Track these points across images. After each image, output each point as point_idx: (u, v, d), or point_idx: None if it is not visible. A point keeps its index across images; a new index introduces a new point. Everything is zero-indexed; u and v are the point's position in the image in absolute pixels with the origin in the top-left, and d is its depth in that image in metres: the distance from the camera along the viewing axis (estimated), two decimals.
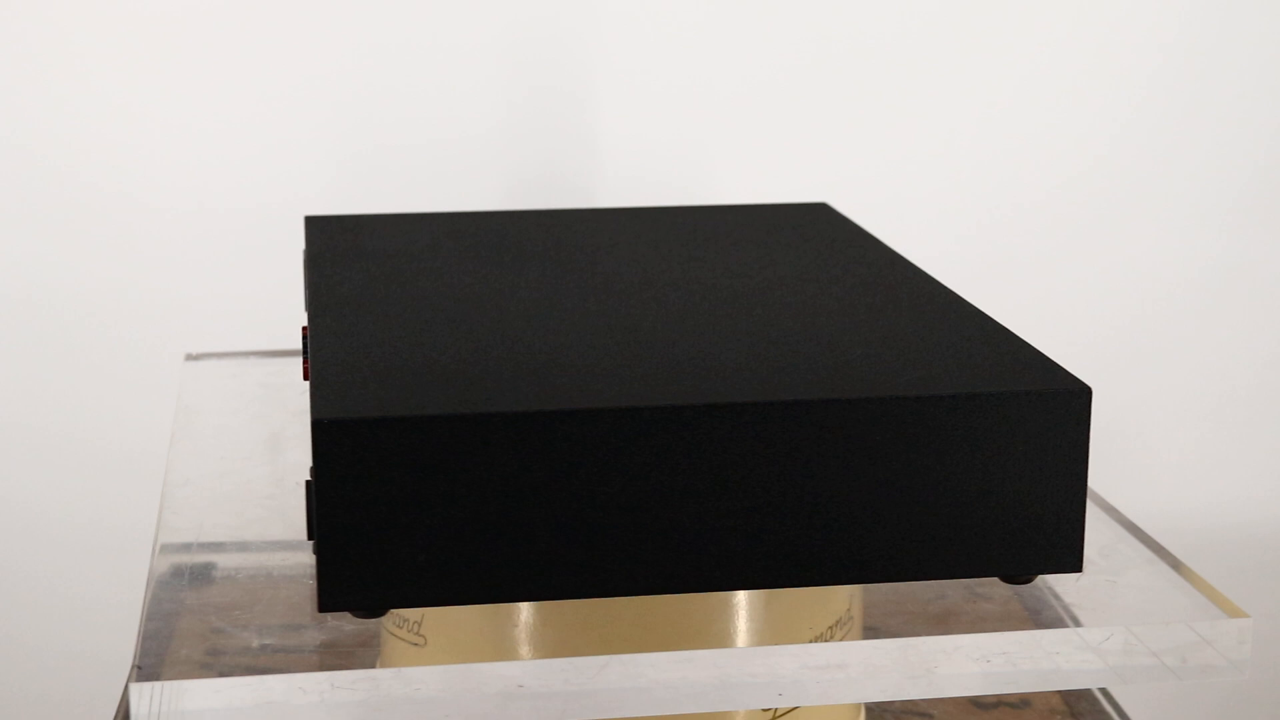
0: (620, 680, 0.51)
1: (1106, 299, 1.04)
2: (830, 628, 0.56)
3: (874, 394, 0.49)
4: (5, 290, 0.97)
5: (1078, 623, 0.56)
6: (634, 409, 0.48)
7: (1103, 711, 0.67)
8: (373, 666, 0.56)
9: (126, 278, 0.98)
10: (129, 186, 0.97)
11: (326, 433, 0.47)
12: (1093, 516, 0.63)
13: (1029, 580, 0.51)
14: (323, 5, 0.96)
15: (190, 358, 0.83)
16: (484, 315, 0.56)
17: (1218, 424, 1.06)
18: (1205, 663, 0.54)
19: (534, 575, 0.48)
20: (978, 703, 0.67)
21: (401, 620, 0.56)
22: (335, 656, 0.57)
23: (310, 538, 0.48)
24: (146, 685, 0.50)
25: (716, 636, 0.54)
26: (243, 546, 0.63)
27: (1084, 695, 0.68)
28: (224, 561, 0.62)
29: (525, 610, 0.54)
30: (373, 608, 0.48)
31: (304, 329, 0.56)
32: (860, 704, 0.60)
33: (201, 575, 0.61)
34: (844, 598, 0.56)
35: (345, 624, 0.59)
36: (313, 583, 0.57)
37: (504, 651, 0.54)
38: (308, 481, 0.47)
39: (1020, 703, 0.67)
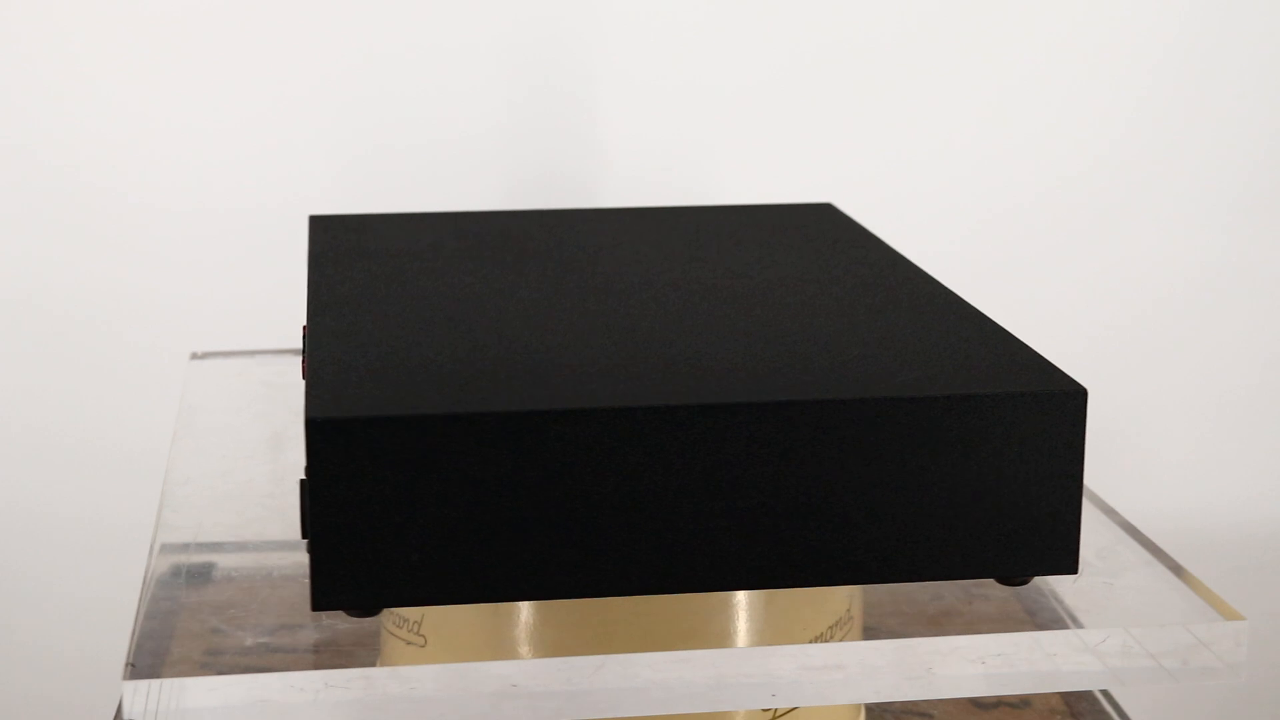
0: (616, 680, 0.51)
1: (1106, 299, 1.03)
2: (830, 628, 0.56)
3: (868, 395, 0.49)
4: (13, 290, 0.97)
5: (1078, 624, 0.56)
6: (627, 409, 0.48)
7: (1103, 711, 0.66)
8: (372, 666, 0.56)
9: (133, 278, 0.98)
10: (136, 188, 0.97)
11: (320, 432, 0.47)
12: (1091, 518, 0.63)
13: (1025, 582, 0.51)
14: (327, 6, 0.96)
15: (195, 357, 0.83)
16: (483, 315, 0.56)
17: (1217, 424, 1.06)
18: (1202, 665, 0.54)
19: (529, 575, 0.48)
20: (978, 703, 0.67)
21: (401, 620, 0.56)
22: (334, 656, 0.57)
23: (304, 536, 0.48)
24: (141, 683, 0.50)
25: (715, 637, 0.54)
26: (242, 546, 0.64)
27: (1084, 695, 0.67)
28: (223, 561, 0.62)
29: (526, 610, 0.54)
30: (367, 607, 0.48)
31: (304, 328, 0.56)
32: (860, 704, 0.60)
33: (200, 574, 0.61)
34: (844, 598, 0.56)
35: (345, 624, 0.59)
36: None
37: (504, 652, 0.54)
38: (302, 480, 0.47)
39: (1020, 703, 0.67)
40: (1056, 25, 1.00)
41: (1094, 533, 0.62)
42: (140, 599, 0.58)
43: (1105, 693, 0.68)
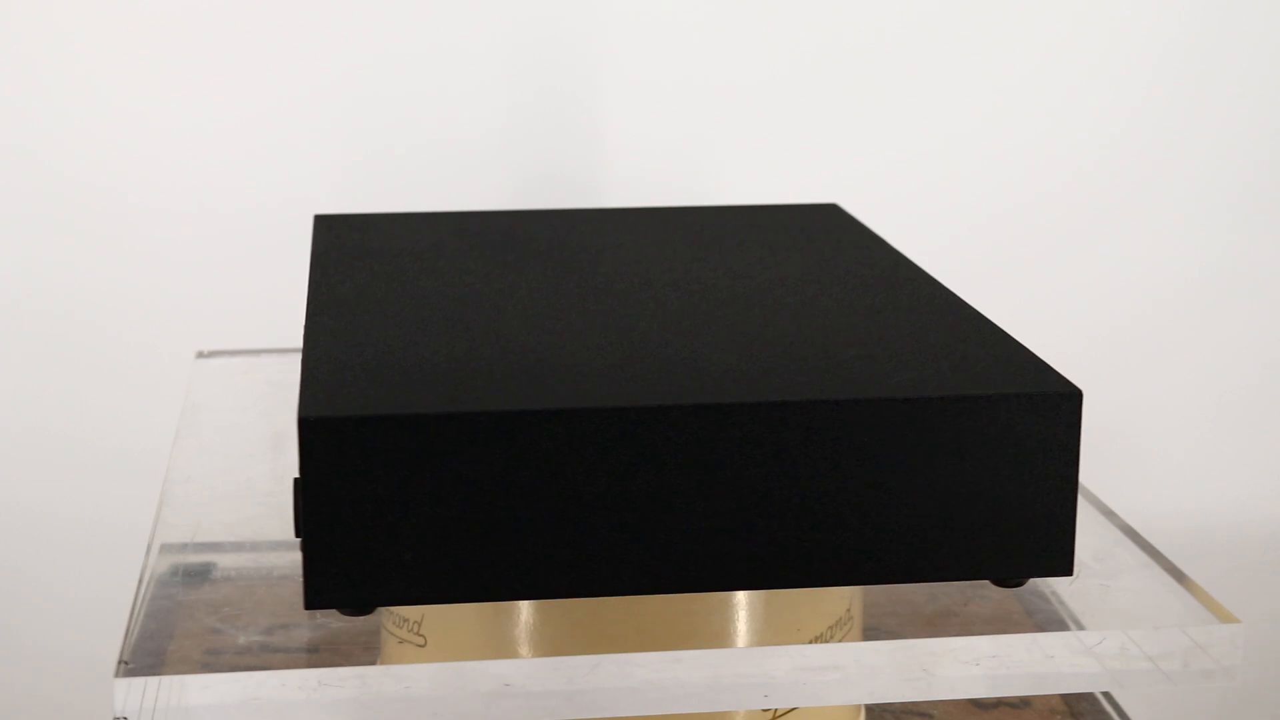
0: (613, 680, 0.51)
1: (1106, 299, 1.03)
2: (830, 628, 0.56)
3: (863, 395, 0.49)
4: (16, 291, 0.97)
5: (1080, 625, 0.56)
6: (621, 409, 0.48)
7: (1103, 712, 0.66)
8: (370, 665, 0.56)
9: (136, 279, 0.98)
10: (138, 188, 0.97)
11: (313, 430, 0.47)
12: (1089, 520, 0.63)
13: (1020, 583, 0.51)
14: (329, 7, 0.96)
15: (201, 355, 0.83)
16: (482, 314, 0.56)
17: (1217, 424, 1.06)
18: (1199, 667, 0.54)
19: (523, 574, 0.48)
20: (978, 703, 0.67)
21: (401, 620, 0.56)
22: (332, 655, 0.57)
23: (298, 535, 0.48)
24: (135, 680, 0.50)
25: (714, 637, 0.54)
26: (240, 544, 0.64)
27: (1084, 695, 0.67)
28: (222, 559, 0.62)
29: (527, 610, 0.54)
30: (360, 605, 0.48)
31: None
32: (860, 704, 0.60)
33: (199, 573, 0.61)
34: (843, 599, 0.56)
35: (344, 623, 0.59)
36: None
37: (505, 652, 0.54)
38: (296, 479, 0.47)
39: (1020, 703, 0.67)
40: (1056, 25, 1.00)
41: (1092, 535, 0.62)
42: (136, 598, 0.58)
43: (1106, 693, 0.68)
